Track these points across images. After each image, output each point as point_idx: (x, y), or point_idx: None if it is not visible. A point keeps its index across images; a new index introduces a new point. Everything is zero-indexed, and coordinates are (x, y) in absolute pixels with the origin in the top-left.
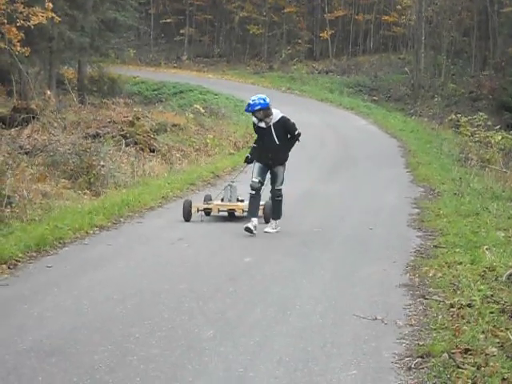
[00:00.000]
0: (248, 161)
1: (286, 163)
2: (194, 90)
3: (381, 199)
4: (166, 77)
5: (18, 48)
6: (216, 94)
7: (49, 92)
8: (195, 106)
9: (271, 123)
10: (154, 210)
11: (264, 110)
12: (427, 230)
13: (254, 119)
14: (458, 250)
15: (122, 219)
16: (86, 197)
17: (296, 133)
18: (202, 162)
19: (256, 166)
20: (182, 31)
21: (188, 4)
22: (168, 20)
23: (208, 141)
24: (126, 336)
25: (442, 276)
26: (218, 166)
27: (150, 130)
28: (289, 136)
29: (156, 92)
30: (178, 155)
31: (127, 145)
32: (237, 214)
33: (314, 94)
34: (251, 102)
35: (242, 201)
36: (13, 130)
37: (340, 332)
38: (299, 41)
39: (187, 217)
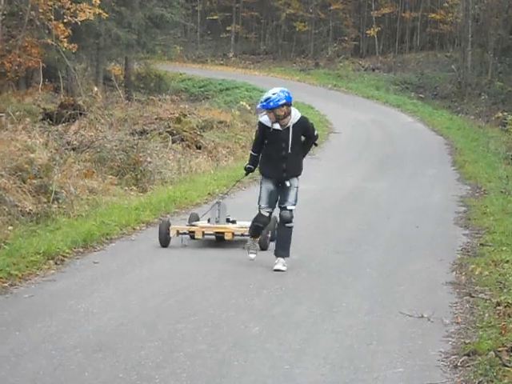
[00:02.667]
0: (248, 171)
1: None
2: (240, 87)
3: (427, 197)
4: (213, 74)
5: (65, 44)
6: (262, 91)
7: (96, 88)
8: (241, 103)
9: (290, 124)
10: (201, 206)
11: (288, 106)
12: (474, 228)
13: (265, 119)
14: (504, 248)
15: (168, 215)
16: (132, 193)
17: (315, 134)
18: (247, 158)
19: (264, 189)
20: (228, 28)
21: (235, 1)
22: (215, 17)
23: (254, 137)
24: (173, 332)
25: (489, 274)
26: None
27: (197, 126)
28: (303, 138)
29: (202, 89)
30: (224, 152)
31: (174, 141)
32: (226, 238)
33: (360, 91)
34: (272, 96)
35: (233, 222)
36: (60, 126)
37: (386, 330)
38: (346, 38)
39: (164, 242)
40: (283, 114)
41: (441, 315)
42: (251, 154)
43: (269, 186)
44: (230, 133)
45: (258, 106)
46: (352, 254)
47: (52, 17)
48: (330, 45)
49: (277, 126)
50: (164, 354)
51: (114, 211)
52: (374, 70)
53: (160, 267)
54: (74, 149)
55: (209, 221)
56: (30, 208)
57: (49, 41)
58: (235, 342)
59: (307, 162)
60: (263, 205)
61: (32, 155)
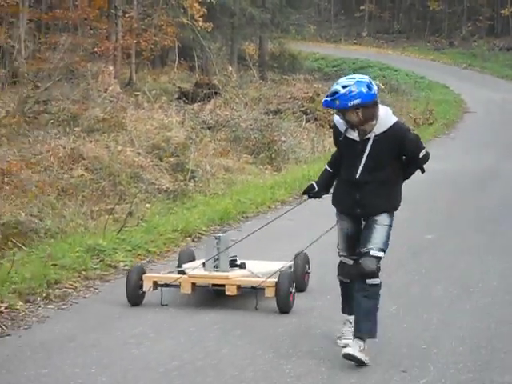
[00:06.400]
0: (310, 193)
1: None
2: (374, 66)
3: None
4: (346, 53)
5: (201, 23)
6: (396, 70)
7: (230, 68)
8: (375, 82)
9: (371, 134)
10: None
11: (366, 109)
12: None
13: (338, 120)
14: None
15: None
16: (267, 172)
17: (421, 155)
18: None
19: (340, 227)
20: (362, 7)
21: None
22: None
23: None
24: (310, 310)
25: None
26: None
27: None
28: (404, 158)
29: (336, 68)
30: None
31: (307, 121)
32: (228, 293)
33: (494, 71)
34: (341, 91)
35: (241, 266)
36: (195, 104)
37: None
38: (480, 17)
39: (134, 298)
40: (357, 120)
41: None
42: (324, 168)
43: (344, 223)
44: None
45: (323, 102)
46: (491, 234)
47: None
48: (464, 24)
49: (353, 135)
50: (301, 332)
51: (249, 190)
52: (508, 49)
53: (297, 244)
54: (209, 128)
55: (204, 265)
56: (167, 186)
57: (184, 20)
58: None
59: (441, 141)
60: (342, 248)
61: (169, 134)
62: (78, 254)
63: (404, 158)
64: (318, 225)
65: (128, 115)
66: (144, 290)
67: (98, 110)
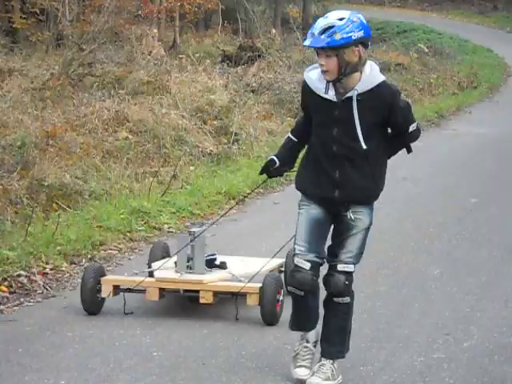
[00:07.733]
0: (271, 171)
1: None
2: (418, 29)
3: None
4: (390, 16)
5: None
6: (440, 34)
7: (274, 31)
8: (419, 45)
9: (354, 93)
10: None
11: (363, 47)
12: None
13: (311, 76)
14: None
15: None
16: None
17: (411, 129)
18: (426, 101)
19: (304, 216)
20: None
21: None
22: None
23: (432, 80)
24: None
25: None
26: (442, 106)
27: None
28: (389, 131)
29: (379, 31)
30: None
31: None
32: (202, 301)
33: None
34: (338, 23)
35: (221, 266)
36: (239, 67)
37: None
38: None
39: (90, 305)
40: (357, 61)
41: None
42: (287, 137)
43: (312, 211)
44: (407, 75)
45: (306, 42)
46: None
47: None
48: None
49: (329, 95)
50: None
51: None
52: None
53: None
54: (253, 91)
55: (176, 265)
56: (211, 149)
57: None
58: (415, 284)
59: (486, 105)
60: (301, 244)
61: (212, 97)
62: (122, 215)
63: (390, 130)
64: None
65: (172, 78)
66: (103, 295)
67: (142, 73)
